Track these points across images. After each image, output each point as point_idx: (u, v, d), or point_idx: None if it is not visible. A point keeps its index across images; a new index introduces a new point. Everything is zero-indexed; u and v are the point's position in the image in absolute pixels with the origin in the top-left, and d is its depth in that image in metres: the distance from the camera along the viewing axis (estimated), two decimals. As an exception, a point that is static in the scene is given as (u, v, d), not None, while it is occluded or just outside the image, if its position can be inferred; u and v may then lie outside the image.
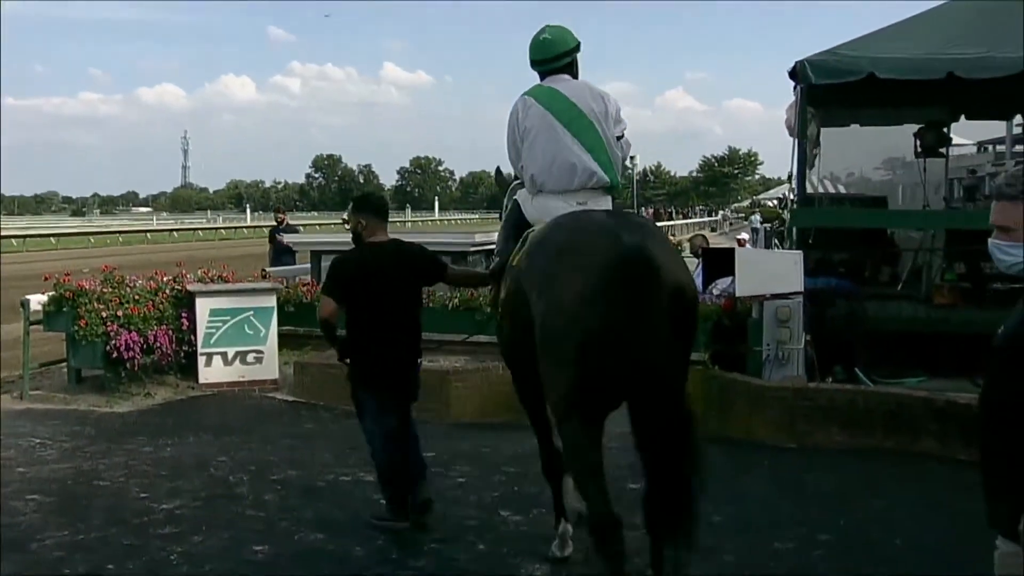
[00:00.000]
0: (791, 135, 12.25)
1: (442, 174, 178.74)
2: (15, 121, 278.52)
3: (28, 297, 10.71)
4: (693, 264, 14.50)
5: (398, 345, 6.04)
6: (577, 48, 5.48)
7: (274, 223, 19.16)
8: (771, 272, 9.07)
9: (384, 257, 6.06)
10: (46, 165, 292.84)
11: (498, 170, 6.56)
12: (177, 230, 70.37)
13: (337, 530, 6.08)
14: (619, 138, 5.41)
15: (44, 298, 10.58)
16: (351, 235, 6.28)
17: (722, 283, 9.93)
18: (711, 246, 14.01)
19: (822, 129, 12.18)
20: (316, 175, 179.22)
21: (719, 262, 10.31)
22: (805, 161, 11.05)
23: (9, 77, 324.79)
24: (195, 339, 10.73)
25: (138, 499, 6.78)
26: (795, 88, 10.34)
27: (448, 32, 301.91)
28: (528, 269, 4.64)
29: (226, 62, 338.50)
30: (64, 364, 11.27)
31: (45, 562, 5.58)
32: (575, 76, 5.45)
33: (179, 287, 10.96)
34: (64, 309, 10.32)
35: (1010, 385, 2.80)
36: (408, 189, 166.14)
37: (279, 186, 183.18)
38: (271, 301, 11.04)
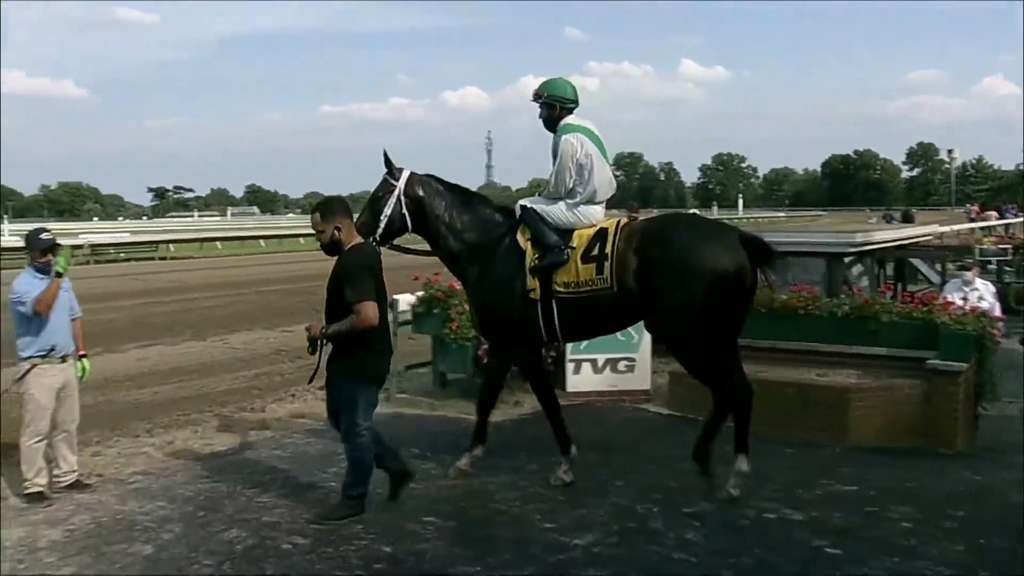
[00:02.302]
0: None
1: (745, 171, 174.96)
2: (331, 127, 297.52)
3: (396, 297, 10.38)
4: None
5: (387, 340, 6.58)
6: None
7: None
8: None
9: (375, 257, 6.48)
10: (359, 167, 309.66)
11: (386, 156, 7.33)
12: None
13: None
14: None
15: (412, 298, 10.22)
16: (324, 243, 6.36)
17: None
18: None
19: None
20: (617, 173, 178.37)
21: None
22: None
23: (326, 86, 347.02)
24: (563, 345, 10.06)
25: (545, 530, 6.09)
26: None
27: (744, 26, 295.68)
28: (669, 250, 6.61)
29: (525, 64, 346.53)
30: (425, 367, 10.94)
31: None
32: None
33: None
34: (435, 311, 9.94)
35: None
36: (710, 187, 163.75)
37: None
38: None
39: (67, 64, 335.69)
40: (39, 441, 6.98)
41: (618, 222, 7.04)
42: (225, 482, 7.16)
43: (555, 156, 7.10)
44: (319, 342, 6.26)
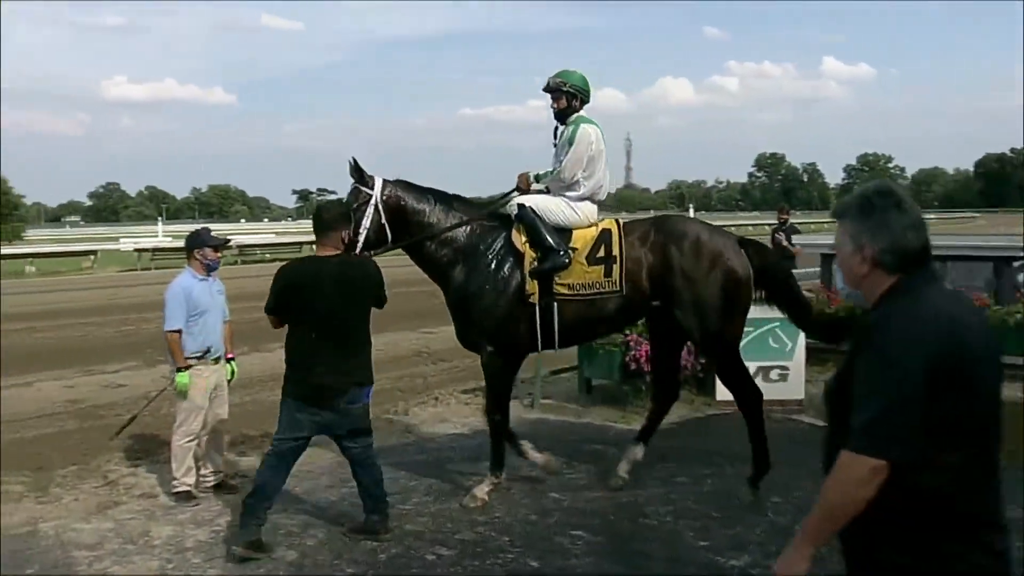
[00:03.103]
0: None
1: (891, 171, 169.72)
2: (470, 128, 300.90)
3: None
4: None
5: (332, 364, 5.82)
6: None
7: (775, 222, 17.73)
8: None
9: (323, 270, 5.92)
10: (497, 167, 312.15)
11: (355, 163, 6.89)
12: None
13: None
14: None
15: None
16: None
17: None
18: None
19: None
20: (759, 174, 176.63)
21: None
22: None
23: (465, 90, 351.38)
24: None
25: (698, 548, 5.81)
26: None
27: (889, 22, 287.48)
28: (691, 248, 6.76)
29: (664, 65, 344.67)
30: (569, 372, 10.75)
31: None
32: None
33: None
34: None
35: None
36: (855, 188, 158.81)
37: (721, 185, 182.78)
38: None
39: (216, 71, 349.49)
40: (190, 441, 7.02)
41: (618, 222, 7.10)
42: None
43: (568, 144, 6.93)
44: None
